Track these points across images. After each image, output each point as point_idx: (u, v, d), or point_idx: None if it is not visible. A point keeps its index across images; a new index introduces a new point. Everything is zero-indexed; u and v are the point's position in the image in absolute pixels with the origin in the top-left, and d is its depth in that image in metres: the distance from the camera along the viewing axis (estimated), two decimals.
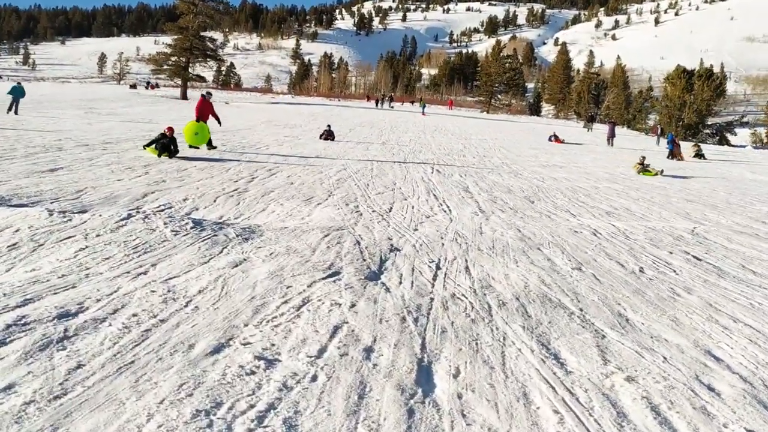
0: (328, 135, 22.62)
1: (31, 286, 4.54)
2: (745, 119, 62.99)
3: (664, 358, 4.11)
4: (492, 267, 6.06)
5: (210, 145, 16.94)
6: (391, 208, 9.60)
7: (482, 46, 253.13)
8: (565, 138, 31.23)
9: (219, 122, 18.71)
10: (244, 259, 5.63)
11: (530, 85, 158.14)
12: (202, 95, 18.15)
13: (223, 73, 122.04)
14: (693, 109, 56.42)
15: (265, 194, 10.20)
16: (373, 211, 9.11)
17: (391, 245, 6.71)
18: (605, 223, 9.38)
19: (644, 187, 15.48)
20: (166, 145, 14.12)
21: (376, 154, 19.12)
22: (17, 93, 24.97)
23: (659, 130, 39.55)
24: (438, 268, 5.90)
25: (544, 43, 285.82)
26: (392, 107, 71.04)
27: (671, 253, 7.49)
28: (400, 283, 5.25)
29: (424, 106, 62.39)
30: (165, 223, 6.56)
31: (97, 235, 5.99)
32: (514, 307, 4.87)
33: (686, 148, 31.13)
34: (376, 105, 70.24)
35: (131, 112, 32.55)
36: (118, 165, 12.49)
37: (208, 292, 4.63)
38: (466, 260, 6.29)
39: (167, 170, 12.35)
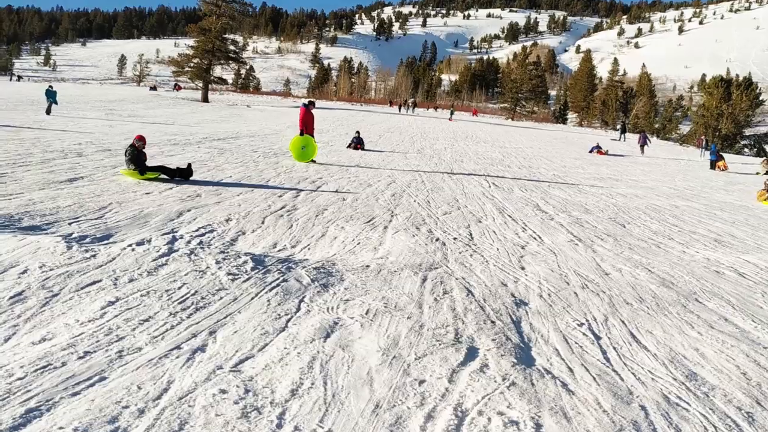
0: (358, 143, 20.55)
1: (38, 377, 3.02)
2: None
3: None
4: (666, 335, 4.42)
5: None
6: (471, 233, 8.04)
7: (503, 53, 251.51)
8: (608, 149, 29.46)
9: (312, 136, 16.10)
10: (336, 323, 4.07)
11: (552, 93, 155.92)
12: (305, 105, 16.05)
13: (243, 76, 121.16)
14: (731, 119, 54.31)
15: (319, 213, 8.68)
16: (454, 239, 7.54)
17: (512, 295, 5.12)
18: (733, 258, 7.74)
19: (726, 207, 13.80)
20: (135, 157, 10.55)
21: (418, 163, 17.59)
22: (52, 96, 25.55)
23: (704, 142, 37.44)
24: (596, 336, 4.30)
25: (566, 51, 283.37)
26: (416, 113, 69.65)
27: None
28: (571, 370, 3.66)
29: (452, 113, 61.34)
30: (217, 262, 5.03)
31: (131, 280, 4.47)
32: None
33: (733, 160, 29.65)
34: (399, 110, 69.06)
35: (152, 114, 31.29)
36: None
37: (306, 395, 3.05)
38: (623, 322, 4.69)
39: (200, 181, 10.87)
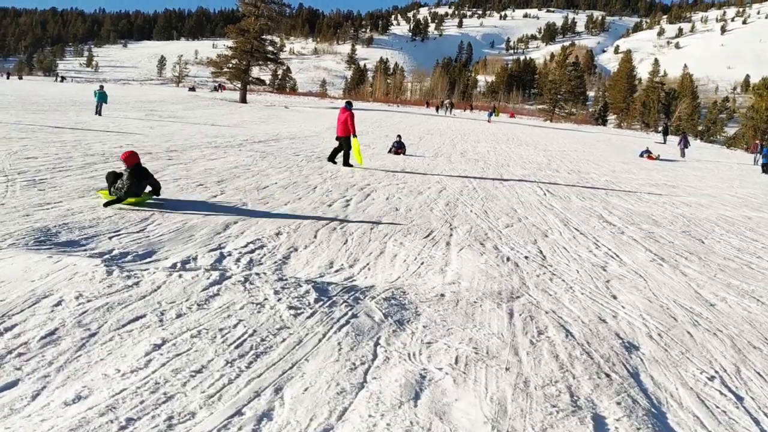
0: (399, 148, 19.25)
1: None
2: None
3: None
4: None
5: (347, 162, 14.82)
6: (541, 251, 7.31)
7: (539, 53, 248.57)
8: (660, 154, 28.19)
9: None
10: (423, 376, 3.40)
11: (590, 94, 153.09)
12: (349, 106, 15.36)
13: (279, 77, 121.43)
14: None
15: (373, 226, 8.04)
16: (526, 258, 6.83)
17: (617, 336, 4.38)
18: None
19: None
20: (124, 185, 8.08)
21: (465, 168, 16.86)
22: (101, 98, 25.75)
23: (759, 147, 35.75)
24: (737, 396, 3.53)
25: (604, 51, 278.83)
26: (453, 114, 68.84)
27: None
28: None
29: (491, 114, 60.51)
30: (276, 292, 4.39)
31: (179, 316, 3.86)
32: None
33: None
34: (436, 111, 68.43)
35: (192, 115, 31.06)
36: (186, 180, 10.54)
37: None
38: (759, 374, 3.91)
39: (245, 187, 10.33)
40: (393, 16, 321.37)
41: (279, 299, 4.26)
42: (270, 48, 56.84)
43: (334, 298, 4.46)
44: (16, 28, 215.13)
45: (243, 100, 51.04)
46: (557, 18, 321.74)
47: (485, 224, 8.90)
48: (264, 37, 54.95)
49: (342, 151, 14.91)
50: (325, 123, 32.15)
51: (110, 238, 6.35)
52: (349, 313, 4.18)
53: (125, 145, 14.77)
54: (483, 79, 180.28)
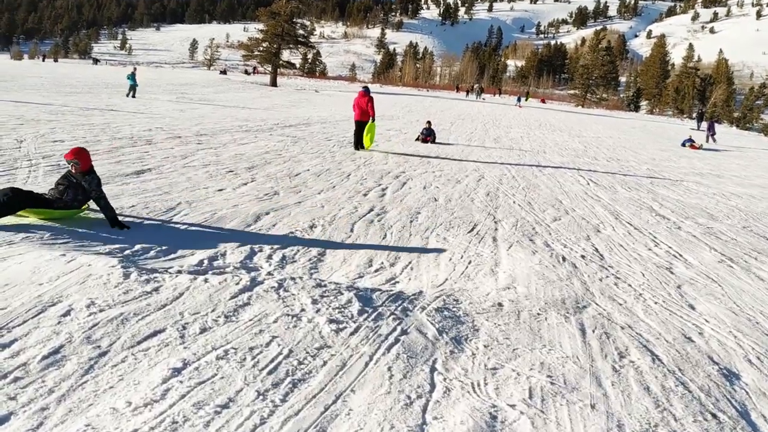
0: (427, 135, 17.40)
1: None
2: None
3: None
4: None
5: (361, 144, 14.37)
6: (597, 249, 6.69)
7: (570, 38, 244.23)
8: (702, 143, 26.87)
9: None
10: (494, 416, 2.82)
11: (622, 79, 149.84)
12: (367, 90, 14.89)
13: (309, 60, 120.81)
14: None
15: (412, 218, 7.47)
16: (582, 257, 6.20)
17: (711, 360, 3.73)
18: None
19: None
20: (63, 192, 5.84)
21: (501, 155, 16.19)
22: (132, 81, 25.51)
23: None
24: None
25: (636, 36, 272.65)
26: (483, 99, 67.78)
27: None
28: None
29: (520, 99, 59.52)
30: (314, 301, 3.84)
31: (203, 330, 3.33)
32: None
33: None
34: (466, 95, 67.55)
35: (222, 98, 30.67)
36: (216, 166, 10.06)
37: None
38: None
39: (277, 174, 9.82)
40: (422, 0, 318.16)
41: (318, 310, 3.71)
42: (300, 31, 56.24)
43: (380, 309, 3.90)
44: (52, 11, 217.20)
45: (273, 83, 50.59)
46: (589, 2, 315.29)
47: (531, 217, 8.29)
48: (295, 20, 54.32)
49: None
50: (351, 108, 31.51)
51: (133, 230, 5.87)
52: (398, 329, 3.62)
53: (154, 128, 14.36)
54: (513, 64, 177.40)
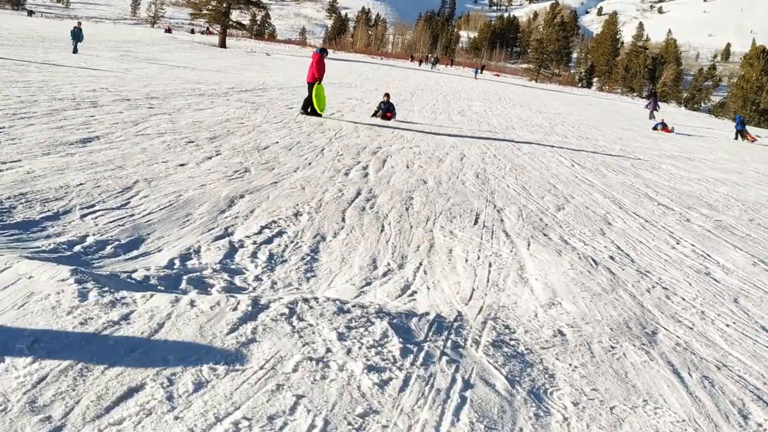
0: (387, 110, 14.79)
1: None
2: None
3: None
4: None
5: (314, 111, 13.31)
6: (619, 247, 5.95)
7: (522, 12, 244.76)
8: (674, 127, 26.27)
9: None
10: None
11: (573, 56, 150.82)
12: (320, 51, 14.08)
13: (258, 23, 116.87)
14: None
15: (408, 206, 6.58)
16: (611, 258, 5.44)
17: None
18: None
19: None
20: None
21: (472, 129, 15.48)
22: (78, 37, 24.50)
23: None
24: None
25: (587, 12, 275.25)
26: (438, 69, 67.02)
27: None
28: None
29: (477, 71, 59.14)
30: (340, 335, 2.90)
31: (198, 387, 2.35)
32: None
33: None
34: (420, 65, 66.87)
35: (170, 58, 28.92)
36: (173, 135, 8.92)
37: None
38: None
39: (243, 147, 8.75)
40: None
41: (348, 351, 2.77)
42: None
43: (426, 347, 2.98)
44: None
45: (222, 44, 48.41)
46: None
47: (532, 205, 7.50)
48: None
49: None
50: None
51: (83, 217, 4.80)
52: (459, 380, 2.72)
53: (99, 89, 12.97)
54: (466, 35, 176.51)
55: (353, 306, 3.24)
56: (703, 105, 75.16)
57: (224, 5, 49.83)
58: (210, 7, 50.69)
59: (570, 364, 3.08)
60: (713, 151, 20.75)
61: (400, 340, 2.94)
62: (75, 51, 23.54)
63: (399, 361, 2.77)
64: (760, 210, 9.59)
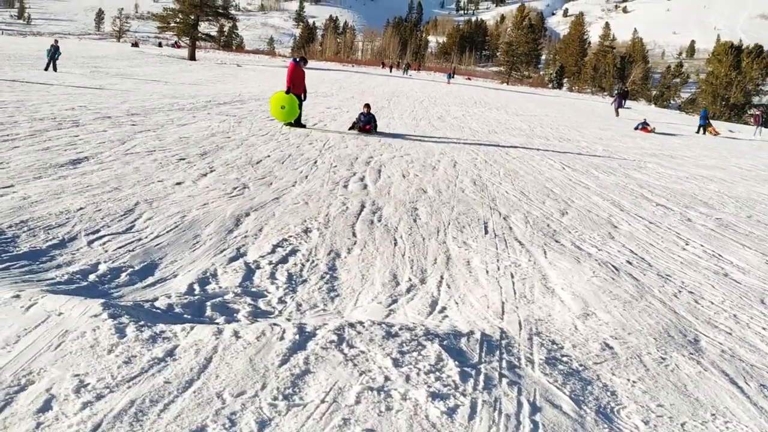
0: (368, 123, 13.44)
1: None
2: None
3: None
4: None
5: (299, 122, 13.12)
6: (633, 251, 5.92)
7: (489, 15, 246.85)
8: (655, 127, 26.25)
9: (305, 96, 13.86)
10: None
11: (542, 57, 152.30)
12: (295, 60, 14.00)
13: (226, 34, 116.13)
14: (740, 88, 52.40)
15: (414, 217, 6.50)
16: (629, 263, 5.41)
17: None
18: None
19: None
20: None
21: (456, 135, 15.51)
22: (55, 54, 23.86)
23: (761, 119, 33.95)
24: None
25: (553, 14, 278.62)
26: (410, 75, 67.27)
27: None
28: None
29: (449, 76, 59.53)
30: (395, 362, 2.76)
31: (262, 426, 2.20)
32: None
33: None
34: (390, 71, 67.22)
35: (141, 72, 28.51)
36: (163, 153, 8.73)
37: None
38: None
39: (236, 162, 8.60)
40: None
41: (407, 378, 2.64)
42: (220, 2, 53.53)
43: (482, 369, 2.86)
44: None
45: (192, 57, 47.94)
46: None
47: (536, 211, 7.45)
48: None
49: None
50: (284, 83, 29.99)
51: (90, 243, 4.61)
52: (525, 403, 2.60)
53: (77, 107, 12.69)
54: (434, 40, 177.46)
55: (400, 329, 3.11)
56: (672, 102, 76.28)
57: (192, 17, 49.39)
58: (178, 19, 50.20)
59: (628, 379, 2.99)
60: (690, 147, 20.98)
61: (456, 363, 2.82)
62: (55, 69, 23.16)
63: (460, 386, 2.65)
64: (755, 206, 9.66)
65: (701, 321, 4.03)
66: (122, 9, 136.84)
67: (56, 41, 25.63)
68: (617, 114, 34.00)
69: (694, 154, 18.57)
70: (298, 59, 14.25)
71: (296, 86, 13.24)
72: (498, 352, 3.08)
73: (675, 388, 2.97)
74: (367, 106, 13.97)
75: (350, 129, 13.50)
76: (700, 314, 4.17)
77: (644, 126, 24.53)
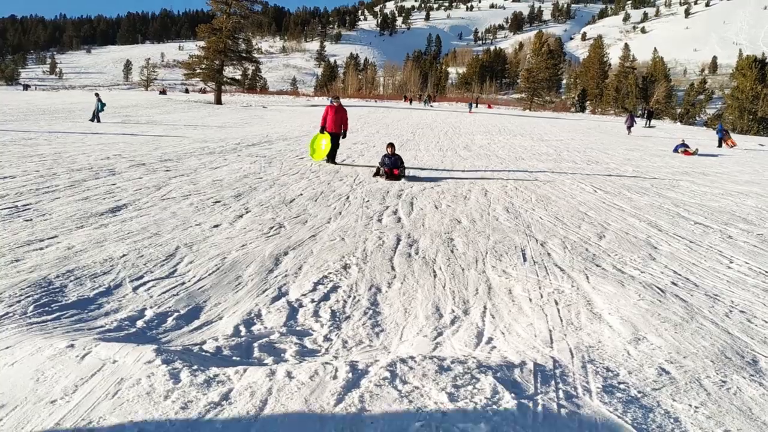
0: (394, 166, 11.80)
1: None
2: None
3: None
4: None
5: (332, 158, 13.80)
6: (677, 272, 5.79)
7: (508, 43, 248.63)
8: (698, 149, 25.19)
9: (344, 135, 14.23)
10: None
11: (562, 82, 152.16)
12: (334, 102, 14.44)
13: (249, 76, 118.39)
14: (767, 101, 51.69)
15: (451, 248, 6.52)
16: (675, 284, 5.30)
17: None
18: None
19: None
20: None
21: (484, 164, 15.50)
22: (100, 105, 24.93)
23: None
24: None
25: (571, 38, 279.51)
26: (432, 106, 67.76)
27: None
28: None
29: (471, 105, 59.91)
30: (451, 396, 2.74)
31: None
32: None
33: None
34: (410, 103, 67.95)
35: (170, 119, 29.10)
36: (198, 196, 8.83)
37: None
38: None
39: (270, 202, 8.68)
40: (360, 12, 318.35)
41: (464, 412, 2.61)
42: (243, 46, 54.71)
43: (539, 400, 2.82)
44: None
45: (218, 101, 48.91)
46: (524, 7, 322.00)
47: (573, 236, 7.36)
48: (237, 35, 52.71)
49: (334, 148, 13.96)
50: (310, 122, 30.36)
51: (135, 289, 4.66)
52: None
53: (112, 156, 12.96)
54: (454, 71, 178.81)
55: (452, 362, 3.08)
56: (698, 118, 75.52)
57: (217, 63, 50.47)
58: (203, 66, 51.33)
59: (690, 405, 2.92)
60: (722, 163, 20.68)
61: (512, 395, 2.78)
62: (98, 120, 23.97)
63: (519, 419, 2.61)
64: None
65: (757, 341, 3.92)
66: (149, 59, 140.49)
67: (97, 94, 26.69)
68: (629, 132, 35.24)
69: (726, 170, 18.29)
70: (331, 99, 14.77)
71: (330, 125, 13.74)
72: (553, 382, 3.03)
73: (740, 412, 2.89)
74: (391, 146, 12.23)
75: (375, 176, 11.80)
76: (755, 334, 4.07)
77: (685, 149, 22.92)
